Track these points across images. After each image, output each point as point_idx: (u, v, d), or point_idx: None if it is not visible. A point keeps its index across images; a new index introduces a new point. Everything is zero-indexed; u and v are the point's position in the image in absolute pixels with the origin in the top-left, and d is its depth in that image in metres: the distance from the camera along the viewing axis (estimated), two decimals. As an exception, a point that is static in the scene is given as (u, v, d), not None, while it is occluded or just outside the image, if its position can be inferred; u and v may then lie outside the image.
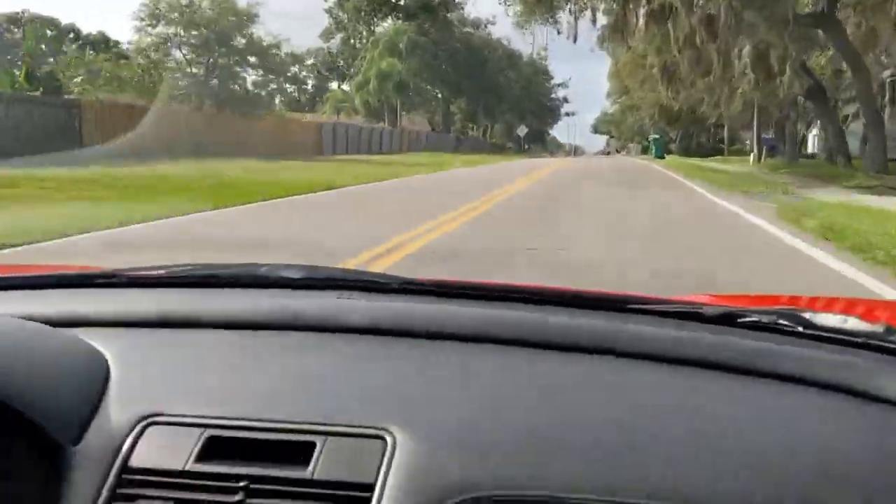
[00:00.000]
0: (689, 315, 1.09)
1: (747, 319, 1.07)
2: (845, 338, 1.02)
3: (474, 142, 70.14)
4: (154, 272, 1.31)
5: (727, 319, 1.08)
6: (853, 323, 1.04)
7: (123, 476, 0.86)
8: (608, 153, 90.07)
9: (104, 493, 0.84)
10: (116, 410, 0.92)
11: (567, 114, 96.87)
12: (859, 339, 1.01)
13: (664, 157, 49.49)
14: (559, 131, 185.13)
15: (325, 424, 0.88)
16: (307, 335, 1.10)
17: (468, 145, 64.98)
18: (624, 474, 0.81)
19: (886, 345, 0.99)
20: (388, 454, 0.84)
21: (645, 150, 68.21)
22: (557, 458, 0.83)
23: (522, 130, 72.34)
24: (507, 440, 0.85)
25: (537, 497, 0.80)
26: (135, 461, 0.87)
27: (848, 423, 0.89)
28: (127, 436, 0.89)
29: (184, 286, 1.28)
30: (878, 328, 1.02)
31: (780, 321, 1.05)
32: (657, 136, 55.79)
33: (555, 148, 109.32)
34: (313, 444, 0.86)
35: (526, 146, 78.46)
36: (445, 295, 1.18)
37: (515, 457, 0.83)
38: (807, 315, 1.06)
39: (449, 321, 1.09)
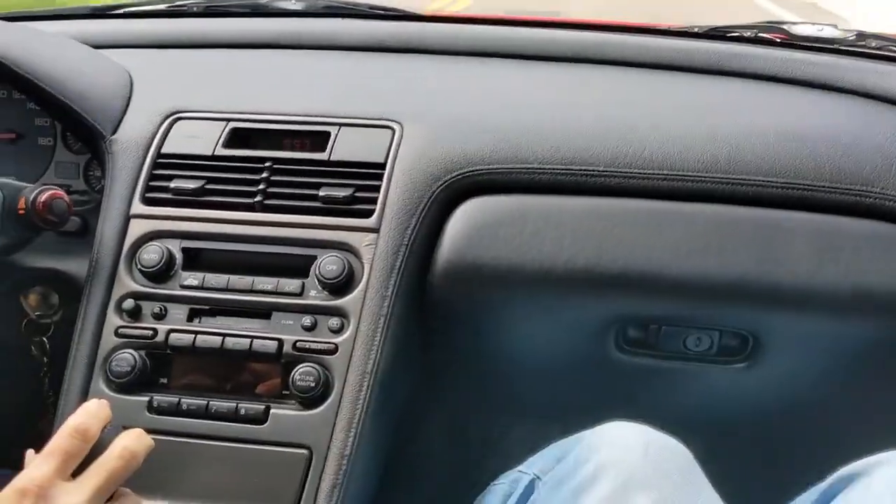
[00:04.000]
0: (682, 33, 1.17)
1: (733, 34, 1.15)
2: (820, 45, 1.10)
3: None
4: (159, 6, 1.37)
5: (714, 35, 1.16)
6: (827, 31, 1.12)
7: (158, 161, 0.96)
8: None
9: (143, 173, 0.95)
10: (146, 108, 1.01)
11: None
12: (832, 45, 1.09)
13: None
14: None
15: (338, 116, 0.97)
16: (314, 52, 1.17)
17: None
18: (602, 152, 0.92)
19: (856, 48, 1.08)
20: (396, 140, 0.94)
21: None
22: (544, 142, 0.93)
23: None
24: (500, 129, 0.95)
25: (523, 168, 0.91)
26: (167, 148, 0.97)
27: (821, 112, 0.99)
28: (158, 128, 0.98)
29: (188, 16, 1.34)
30: (849, 34, 1.11)
31: (762, 34, 1.13)
32: None
33: None
34: (328, 133, 0.96)
35: None
36: (443, 21, 1.27)
37: (507, 141, 0.93)
38: (785, 27, 1.15)
39: (450, 39, 1.16)
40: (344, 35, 1.19)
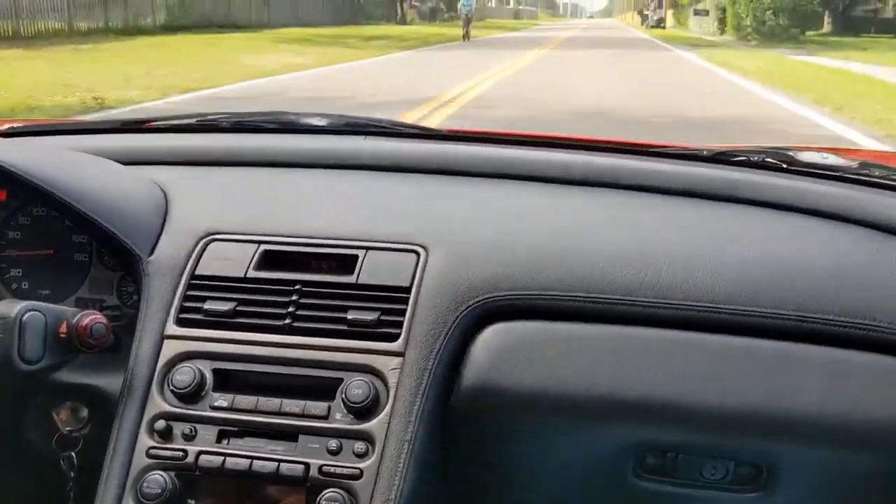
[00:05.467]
0: (689, 156, 1.22)
1: (739, 158, 1.20)
2: (824, 172, 1.14)
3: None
4: (189, 120, 1.42)
5: (722, 158, 1.20)
6: (831, 159, 1.17)
7: (192, 282, 0.99)
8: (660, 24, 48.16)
9: (177, 295, 0.98)
10: (181, 229, 1.05)
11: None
12: (837, 173, 1.13)
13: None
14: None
15: (366, 240, 1.01)
16: (339, 171, 1.21)
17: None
18: (617, 278, 0.95)
19: (860, 177, 1.12)
20: (421, 264, 0.98)
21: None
22: (562, 268, 0.97)
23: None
24: (521, 255, 0.99)
25: (543, 295, 0.95)
26: (201, 270, 1.01)
27: (823, 240, 1.03)
28: (193, 249, 1.02)
29: (218, 131, 1.40)
30: (852, 163, 1.16)
31: (768, 159, 1.18)
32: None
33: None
34: (356, 257, 1.00)
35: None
36: (461, 139, 1.31)
37: (528, 267, 0.97)
38: (791, 153, 1.19)
39: (470, 160, 1.21)
40: (367, 154, 1.24)
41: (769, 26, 26.01)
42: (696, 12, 35.28)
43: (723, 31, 31.59)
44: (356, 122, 1.38)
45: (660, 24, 47.71)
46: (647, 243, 1.01)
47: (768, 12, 26.03)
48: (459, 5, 28.27)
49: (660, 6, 55.23)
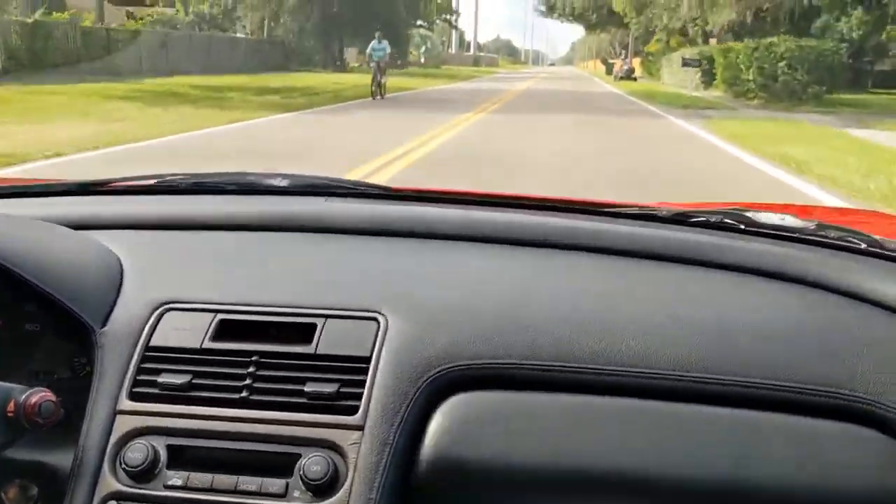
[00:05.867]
0: (647, 217, 1.22)
1: (698, 219, 1.20)
2: (781, 233, 1.15)
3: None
4: (148, 181, 1.40)
5: (680, 219, 1.21)
6: (788, 220, 1.18)
7: (147, 353, 0.97)
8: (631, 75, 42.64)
9: (131, 368, 0.96)
10: (136, 298, 1.03)
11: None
12: (794, 234, 1.14)
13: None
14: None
15: (325, 308, 1.00)
16: (300, 234, 1.21)
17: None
18: (582, 348, 0.94)
19: (817, 238, 1.13)
20: (381, 332, 0.97)
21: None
22: (525, 335, 0.96)
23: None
24: (486, 321, 0.98)
25: (506, 364, 0.94)
26: (156, 341, 0.98)
27: (782, 303, 1.03)
28: (147, 319, 1.00)
29: (177, 193, 1.38)
30: (809, 224, 1.17)
31: (726, 220, 1.19)
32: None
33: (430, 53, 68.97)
34: (314, 325, 0.98)
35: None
36: (423, 199, 1.31)
37: (489, 334, 0.96)
38: (748, 214, 1.20)
39: (431, 222, 1.21)
40: (327, 216, 1.23)
41: (783, 82, 20.41)
42: (686, 62, 28.53)
43: (707, 86, 26.31)
44: (317, 184, 1.38)
45: (630, 74, 42.94)
46: (610, 309, 1.00)
47: (781, 64, 20.29)
48: (369, 51, 21.42)
49: (626, 55, 49.46)
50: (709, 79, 26.51)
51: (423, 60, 64.05)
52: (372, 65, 20.16)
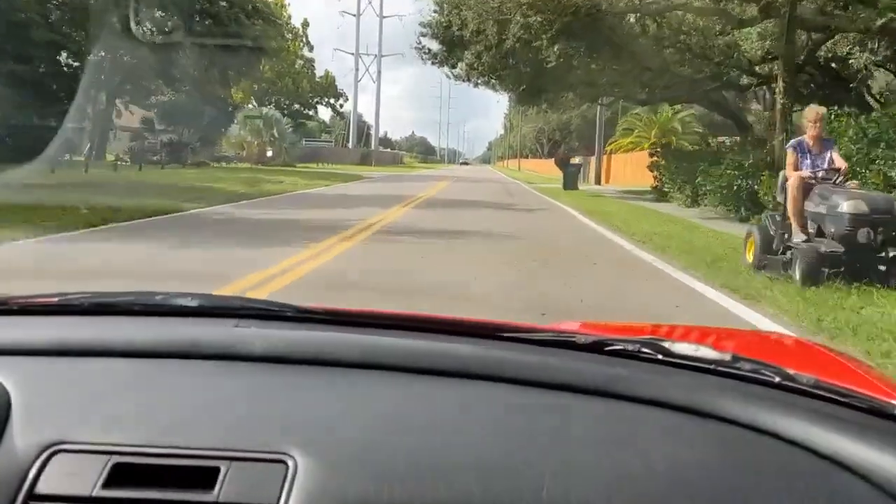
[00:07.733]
0: (563, 343, 1.21)
1: (614, 347, 1.19)
2: (697, 364, 1.15)
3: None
4: (47, 300, 1.32)
5: (596, 347, 1.20)
6: (704, 351, 1.18)
7: (30, 502, 0.88)
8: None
9: None
10: (22, 438, 0.95)
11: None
12: (709, 366, 1.15)
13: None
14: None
15: (227, 450, 0.94)
16: (206, 363, 1.14)
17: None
18: (501, 492, 0.90)
19: (731, 370, 1.14)
20: (289, 477, 0.91)
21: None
22: (444, 478, 0.91)
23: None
24: (398, 462, 0.93)
25: None
26: (41, 488, 0.90)
27: (696, 439, 1.02)
28: (33, 463, 0.92)
29: (78, 314, 1.30)
30: (725, 356, 1.17)
31: (643, 349, 1.18)
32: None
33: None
34: (217, 470, 0.91)
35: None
36: (338, 323, 1.26)
37: (407, 477, 0.91)
38: (666, 344, 1.20)
39: (342, 349, 1.16)
40: (236, 343, 1.17)
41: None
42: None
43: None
44: (227, 305, 1.33)
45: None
46: (527, 449, 0.97)
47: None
48: None
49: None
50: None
51: (269, 154, 53.48)
52: None
